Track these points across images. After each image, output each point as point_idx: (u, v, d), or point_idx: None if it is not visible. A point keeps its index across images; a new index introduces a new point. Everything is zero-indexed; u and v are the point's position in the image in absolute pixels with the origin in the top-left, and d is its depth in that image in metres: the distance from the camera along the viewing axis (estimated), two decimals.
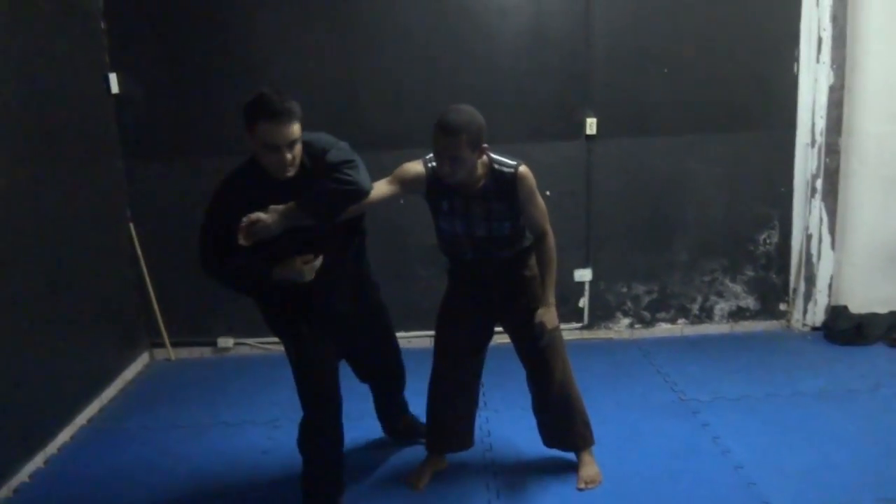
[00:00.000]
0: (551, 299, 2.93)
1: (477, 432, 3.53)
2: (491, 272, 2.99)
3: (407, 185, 2.86)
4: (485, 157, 2.79)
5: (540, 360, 3.05)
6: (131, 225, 4.63)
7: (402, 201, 4.49)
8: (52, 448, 3.64)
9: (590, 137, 4.58)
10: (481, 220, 2.85)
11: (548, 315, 2.91)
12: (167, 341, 4.78)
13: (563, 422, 3.18)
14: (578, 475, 3.18)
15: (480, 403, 3.40)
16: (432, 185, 2.84)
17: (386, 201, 2.85)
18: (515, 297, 3.03)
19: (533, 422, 3.27)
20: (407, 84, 4.45)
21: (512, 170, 2.79)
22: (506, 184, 2.79)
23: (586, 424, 3.22)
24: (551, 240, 2.95)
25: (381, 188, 2.81)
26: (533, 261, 3.02)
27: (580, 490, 3.12)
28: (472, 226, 2.87)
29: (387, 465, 3.40)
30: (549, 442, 3.26)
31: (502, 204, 2.82)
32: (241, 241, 2.58)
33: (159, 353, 4.83)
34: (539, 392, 3.16)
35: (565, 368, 3.13)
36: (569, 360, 3.16)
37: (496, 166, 2.80)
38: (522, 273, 3.02)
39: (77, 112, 4.14)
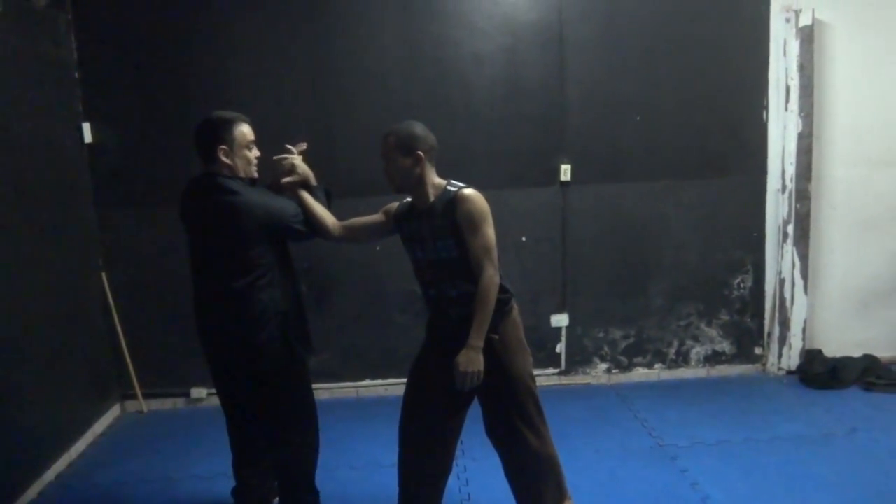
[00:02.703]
0: (474, 342, 2.70)
1: (454, 481, 3.50)
2: (457, 323, 2.82)
3: (386, 214, 3.00)
4: (437, 179, 2.83)
5: (509, 430, 2.92)
6: (103, 274, 4.57)
7: (378, 248, 4.52)
8: None
9: (564, 184, 4.62)
10: (429, 239, 2.80)
11: (465, 357, 2.70)
12: (139, 392, 4.69)
13: (534, 487, 3.02)
14: None
15: (458, 451, 3.34)
16: (399, 211, 2.95)
17: (368, 228, 3.04)
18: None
19: None
20: (382, 131, 4.47)
21: (455, 189, 2.78)
22: (448, 203, 2.75)
23: (559, 485, 3.07)
24: (489, 280, 2.71)
25: (366, 217, 3.06)
26: (504, 324, 2.87)
27: None
28: (425, 247, 2.83)
29: None
30: None
31: (445, 221, 2.75)
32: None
33: (131, 405, 4.74)
34: (508, 460, 3.01)
35: (540, 432, 2.96)
36: (544, 419, 2.99)
37: (448, 187, 2.80)
38: (489, 337, 2.80)
39: (50, 161, 4.11)
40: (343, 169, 4.50)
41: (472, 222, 2.71)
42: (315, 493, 3.20)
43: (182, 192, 3.05)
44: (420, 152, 2.76)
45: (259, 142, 4.54)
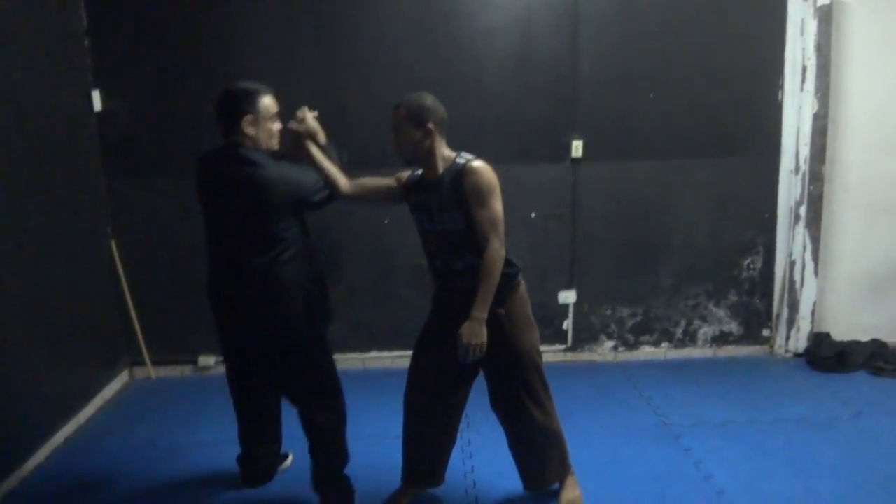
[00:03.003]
0: (477, 314, 2.70)
1: (459, 453, 3.52)
2: (461, 295, 2.81)
3: (398, 181, 3.00)
4: (447, 151, 2.82)
5: (513, 403, 2.96)
6: (112, 242, 4.59)
7: (386, 221, 4.52)
8: (26, 469, 3.57)
9: (575, 160, 4.60)
10: (436, 210, 2.80)
11: (468, 329, 2.70)
12: (147, 360, 4.73)
13: (537, 461, 3.09)
14: (559, 498, 3.14)
15: (463, 424, 3.35)
16: (410, 180, 2.95)
17: (379, 190, 3.02)
18: (488, 337, 2.80)
19: None
20: (393, 103, 4.45)
21: (464, 161, 2.77)
22: (457, 174, 2.74)
23: (562, 460, 3.13)
24: (494, 252, 2.69)
25: (379, 178, 3.02)
26: (510, 299, 2.89)
27: None
28: (432, 218, 2.83)
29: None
30: (527, 484, 3.17)
31: (452, 193, 2.75)
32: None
33: (139, 372, 4.78)
34: (513, 433, 3.07)
35: (545, 407, 3.01)
36: (549, 394, 3.03)
37: (458, 160, 2.79)
38: (496, 311, 2.82)
39: (60, 129, 4.11)
40: (354, 142, 4.46)
41: (480, 195, 2.69)
42: (346, 458, 3.23)
43: (198, 163, 3.00)
44: (430, 124, 2.75)
45: None
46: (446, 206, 2.76)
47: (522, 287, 2.95)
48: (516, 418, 3.00)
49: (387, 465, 3.41)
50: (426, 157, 2.80)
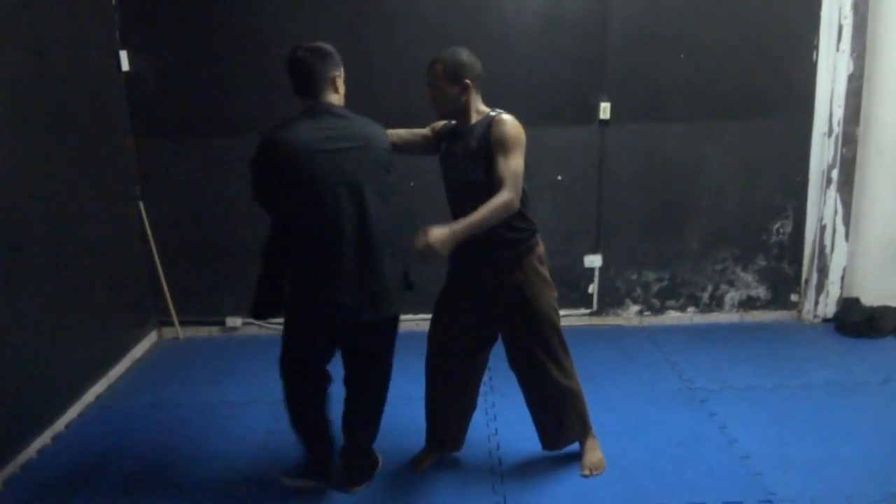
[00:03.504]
0: (458, 227, 2.54)
1: (482, 416, 3.54)
2: (479, 250, 2.81)
3: (432, 130, 3.02)
4: (482, 106, 2.83)
5: (531, 363, 2.97)
6: (141, 203, 4.63)
7: (412, 183, 4.50)
8: (59, 425, 3.66)
9: (603, 122, 4.54)
10: (461, 158, 2.80)
11: (438, 234, 2.48)
12: (176, 320, 4.79)
13: (555, 420, 3.11)
14: (582, 462, 3.17)
15: (486, 388, 3.38)
16: (443, 129, 2.95)
17: (414, 139, 3.05)
18: (505, 298, 2.86)
19: None
20: (419, 65, 4.39)
21: (495, 114, 2.77)
22: (486, 126, 2.74)
23: (582, 420, 3.15)
24: (506, 198, 2.61)
25: (415, 129, 3.06)
26: (527, 259, 2.87)
27: (584, 477, 3.11)
28: (456, 166, 2.83)
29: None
30: (545, 443, 3.19)
31: (479, 143, 2.73)
32: None
33: (167, 332, 4.84)
34: (531, 392, 3.09)
35: (564, 366, 3.02)
36: (568, 353, 3.05)
37: (491, 113, 2.80)
38: (513, 272, 2.84)
39: (87, 89, 4.12)
40: (380, 101, 4.46)
41: (504, 145, 2.68)
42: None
43: (277, 140, 2.69)
44: (467, 80, 2.75)
45: None
46: (471, 154, 2.75)
47: (540, 247, 2.95)
48: (534, 377, 3.02)
49: (412, 426, 3.44)
50: (462, 111, 2.80)
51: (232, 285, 4.77)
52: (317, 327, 2.89)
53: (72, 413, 3.78)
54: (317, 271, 2.74)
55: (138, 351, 4.56)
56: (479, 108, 2.83)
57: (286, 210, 2.75)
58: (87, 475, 3.27)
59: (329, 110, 2.76)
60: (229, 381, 4.17)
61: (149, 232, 4.64)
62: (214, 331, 4.86)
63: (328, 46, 2.83)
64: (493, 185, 2.68)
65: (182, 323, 4.81)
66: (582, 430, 3.18)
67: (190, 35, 4.48)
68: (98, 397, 4.01)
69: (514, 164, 2.67)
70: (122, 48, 4.44)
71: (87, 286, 4.02)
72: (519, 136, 2.71)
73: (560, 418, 3.10)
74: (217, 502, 3.03)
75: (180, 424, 3.71)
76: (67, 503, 3.06)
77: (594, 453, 3.19)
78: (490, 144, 2.70)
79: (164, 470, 3.29)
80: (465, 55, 2.77)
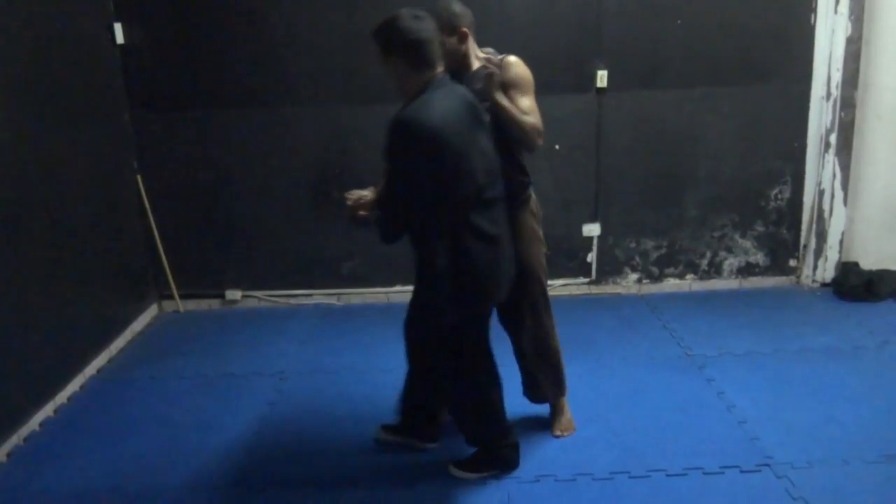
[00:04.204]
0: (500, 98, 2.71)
1: None
2: None
3: None
4: (479, 51, 2.88)
5: (515, 315, 3.04)
6: (139, 177, 4.62)
7: None
8: (61, 397, 3.68)
9: (600, 90, 4.51)
10: None
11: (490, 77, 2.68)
12: (175, 293, 4.80)
13: (533, 375, 3.17)
14: (553, 423, 3.24)
15: None
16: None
17: None
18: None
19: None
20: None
21: (501, 56, 2.84)
22: (493, 66, 2.77)
23: (557, 380, 3.19)
24: (536, 122, 2.77)
25: None
26: (521, 211, 2.92)
27: (556, 437, 3.18)
28: None
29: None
30: (524, 392, 3.27)
31: (484, 84, 2.74)
32: None
33: (168, 305, 4.86)
34: (516, 346, 3.14)
35: (543, 323, 3.07)
36: (550, 312, 3.09)
37: (497, 56, 2.86)
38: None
39: (82, 62, 4.10)
40: (374, 73, 4.43)
41: (519, 85, 2.79)
42: None
43: (442, 125, 2.44)
44: (464, 29, 2.78)
45: (292, 46, 4.51)
46: (478, 97, 2.74)
47: (533, 201, 3.00)
48: (515, 329, 3.08)
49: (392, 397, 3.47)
50: (464, 60, 2.83)
51: (231, 258, 4.78)
52: (496, 298, 2.77)
53: (74, 385, 3.80)
54: (491, 242, 2.63)
55: (139, 324, 4.58)
56: (478, 54, 2.86)
57: (450, 190, 2.50)
58: (89, 447, 3.30)
59: (449, 82, 2.62)
60: (230, 354, 4.19)
61: (147, 205, 4.64)
62: (214, 304, 4.88)
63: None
64: (499, 131, 2.75)
65: (182, 296, 4.83)
66: (556, 391, 3.21)
67: (185, 7, 4.44)
68: (99, 370, 4.04)
69: (531, 103, 2.79)
70: (117, 20, 4.40)
71: (86, 260, 4.02)
72: (529, 77, 2.82)
73: (536, 374, 3.15)
74: (219, 474, 3.06)
75: (181, 396, 3.73)
76: (70, 474, 3.09)
77: (564, 415, 3.24)
78: (505, 86, 2.76)
79: (166, 442, 3.31)
80: (456, 6, 2.79)
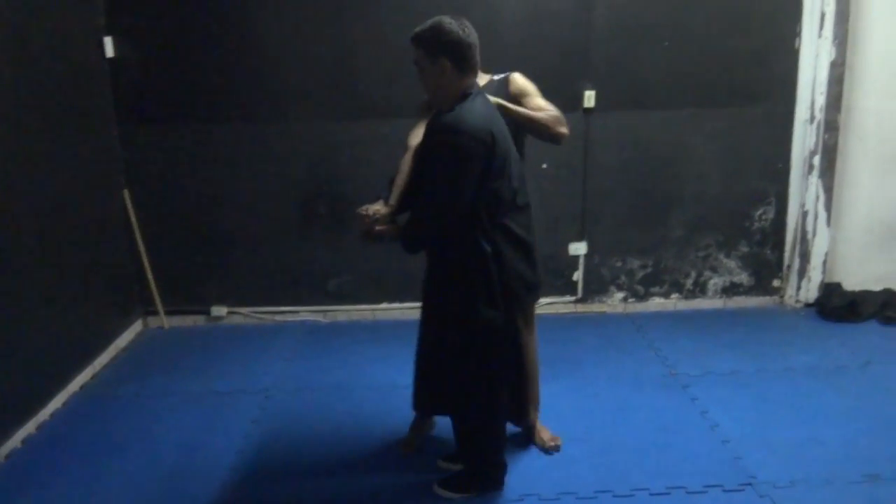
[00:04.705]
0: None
1: None
2: None
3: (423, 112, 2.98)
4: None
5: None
6: (125, 191, 4.61)
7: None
8: (44, 414, 3.65)
9: (588, 110, 4.55)
10: None
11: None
12: (161, 309, 4.78)
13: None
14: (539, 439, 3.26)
15: None
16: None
17: None
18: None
19: None
20: (404, 51, 4.40)
21: (504, 75, 3.03)
22: (498, 85, 2.95)
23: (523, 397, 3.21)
24: (553, 114, 2.94)
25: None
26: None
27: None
28: None
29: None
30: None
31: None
32: None
33: (153, 321, 4.83)
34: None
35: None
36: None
37: (496, 77, 3.03)
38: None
39: (71, 76, 4.10)
40: (363, 89, 4.47)
41: (531, 91, 2.98)
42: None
43: (491, 132, 2.50)
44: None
45: (282, 62, 4.53)
46: None
47: None
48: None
49: (398, 413, 3.48)
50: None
51: (217, 274, 4.77)
52: (526, 301, 2.88)
53: (57, 402, 3.77)
54: (524, 248, 2.71)
55: (123, 340, 4.55)
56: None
57: (494, 193, 2.56)
58: (71, 464, 3.27)
59: (482, 91, 2.67)
60: (215, 371, 4.17)
61: (133, 220, 4.62)
62: (199, 320, 4.86)
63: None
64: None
65: (167, 312, 4.81)
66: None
67: (175, 21, 4.44)
68: (83, 386, 4.01)
69: (545, 101, 2.95)
70: (107, 34, 4.41)
71: (71, 275, 4.01)
72: (533, 85, 3.00)
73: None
74: (203, 492, 3.04)
75: (165, 414, 3.71)
76: (51, 493, 3.06)
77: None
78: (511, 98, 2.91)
79: (149, 459, 3.29)
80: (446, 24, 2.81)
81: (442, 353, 2.76)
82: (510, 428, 3.26)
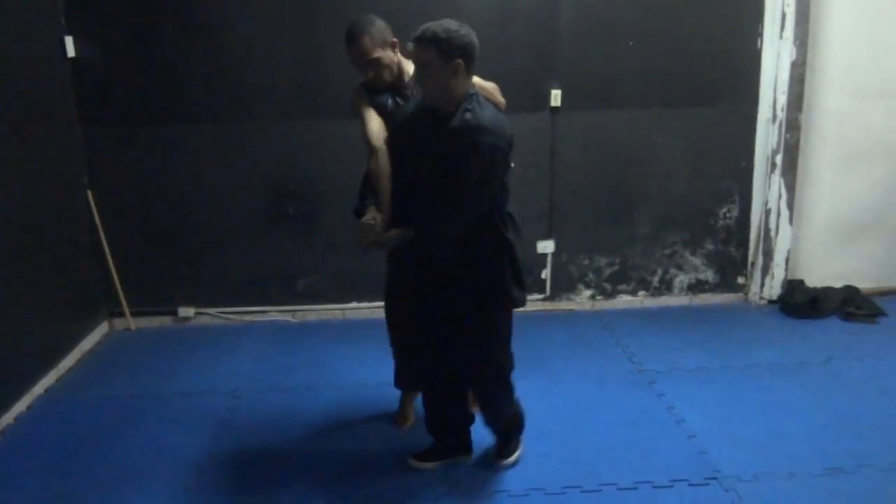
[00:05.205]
0: None
1: None
2: None
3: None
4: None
5: None
6: (89, 192, 4.55)
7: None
8: (7, 418, 3.60)
9: (554, 109, 4.58)
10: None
11: None
12: (127, 311, 4.72)
13: None
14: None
15: None
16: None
17: None
18: None
19: None
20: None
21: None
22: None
23: None
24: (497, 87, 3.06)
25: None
26: None
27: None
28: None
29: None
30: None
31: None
32: None
33: (119, 323, 4.78)
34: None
35: None
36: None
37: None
38: None
39: (32, 77, 4.04)
40: (332, 89, 4.45)
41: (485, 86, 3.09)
42: None
43: (498, 116, 2.72)
44: (394, 39, 2.95)
45: (247, 61, 4.50)
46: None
47: None
48: None
49: (368, 413, 3.51)
50: (399, 70, 3.01)
51: (184, 275, 4.73)
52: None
53: (21, 406, 3.72)
54: (520, 232, 2.87)
55: (88, 343, 4.49)
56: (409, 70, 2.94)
57: (503, 189, 2.78)
58: (37, 468, 3.23)
59: None
60: (182, 372, 4.14)
61: (98, 221, 4.57)
62: (167, 321, 4.81)
63: None
64: None
65: (133, 313, 4.75)
66: None
67: (138, 20, 4.39)
68: (47, 389, 3.95)
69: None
70: (68, 34, 4.35)
71: (34, 277, 3.95)
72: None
73: None
74: (170, 494, 3.02)
75: (133, 415, 3.67)
76: (16, 494, 3.02)
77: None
78: None
79: (117, 461, 3.26)
80: (378, 20, 2.94)
81: (474, 333, 2.87)
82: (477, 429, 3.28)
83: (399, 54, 2.95)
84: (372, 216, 2.78)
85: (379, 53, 2.88)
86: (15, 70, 3.86)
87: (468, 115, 2.58)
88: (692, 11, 4.52)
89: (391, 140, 2.87)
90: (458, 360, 2.96)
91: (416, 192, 2.75)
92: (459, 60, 2.55)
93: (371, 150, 2.89)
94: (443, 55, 2.55)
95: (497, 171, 2.64)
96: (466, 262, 2.76)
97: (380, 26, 2.89)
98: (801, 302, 4.68)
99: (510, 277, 2.78)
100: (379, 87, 2.97)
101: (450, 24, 2.58)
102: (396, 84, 2.99)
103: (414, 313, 3.03)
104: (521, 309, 2.91)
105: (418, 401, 3.41)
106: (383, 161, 2.85)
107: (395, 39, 2.92)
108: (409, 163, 2.79)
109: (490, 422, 3.09)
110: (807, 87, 4.60)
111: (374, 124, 2.93)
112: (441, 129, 2.62)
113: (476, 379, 3.01)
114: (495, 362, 2.95)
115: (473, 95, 2.65)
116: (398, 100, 3.00)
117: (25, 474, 3.18)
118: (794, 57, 4.52)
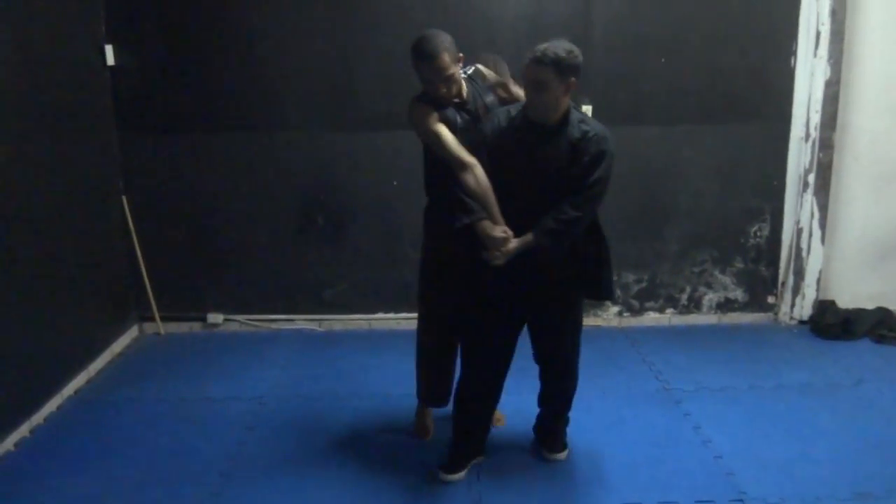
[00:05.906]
0: None
1: None
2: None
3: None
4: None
5: None
6: (124, 198, 4.62)
7: (395, 183, 4.54)
8: (38, 418, 3.65)
9: None
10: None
11: None
12: (157, 315, 4.78)
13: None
14: None
15: None
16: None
17: None
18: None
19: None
20: (404, 64, 4.41)
21: (472, 67, 3.23)
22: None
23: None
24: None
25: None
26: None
27: None
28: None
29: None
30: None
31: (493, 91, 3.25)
32: None
33: (149, 327, 4.84)
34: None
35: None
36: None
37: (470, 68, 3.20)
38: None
39: (72, 83, 4.12)
40: (363, 101, 4.49)
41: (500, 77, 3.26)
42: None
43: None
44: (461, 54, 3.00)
45: (281, 72, 4.56)
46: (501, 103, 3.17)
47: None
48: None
49: (394, 423, 3.51)
50: (460, 84, 3.03)
51: (214, 281, 4.78)
52: None
53: (51, 406, 3.78)
54: None
55: (119, 346, 4.56)
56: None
57: None
58: (65, 468, 3.27)
59: None
60: (209, 377, 4.18)
61: (131, 227, 4.64)
62: (196, 326, 4.87)
63: None
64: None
65: (163, 318, 4.81)
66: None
67: (176, 30, 4.47)
68: (77, 391, 4.01)
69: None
70: (108, 42, 4.43)
71: (68, 280, 4.01)
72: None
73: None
74: (196, 497, 3.04)
75: (159, 419, 3.72)
76: (45, 496, 3.06)
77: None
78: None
79: (143, 464, 3.29)
80: (447, 35, 2.92)
81: (571, 325, 3.22)
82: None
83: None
84: (503, 229, 2.81)
85: (454, 69, 2.89)
86: (56, 76, 3.94)
87: (585, 128, 2.79)
88: (725, 29, 4.50)
89: (493, 154, 2.87)
90: (551, 353, 3.20)
91: (525, 201, 2.85)
92: (573, 79, 2.73)
93: (463, 165, 2.83)
94: (560, 75, 2.69)
95: (609, 172, 2.86)
96: (573, 257, 2.95)
97: (452, 42, 2.88)
98: (832, 323, 4.62)
99: (608, 268, 3.05)
100: (445, 102, 2.96)
101: (567, 45, 2.73)
102: (457, 98, 2.98)
103: (492, 321, 3.05)
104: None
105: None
106: (481, 174, 2.84)
107: (462, 54, 2.93)
108: (515, 175, 2.85)
109: (563, 410, 3.29)
110: (840, 105, 4.56)
111: (453, 138, 2.91)
112: (554, 141, 2.78)
113: (562, 371, 3.24)
114: (578, 350, 3.25)
115: (572, 108, 2.83)
116: (464, 115, 3.01)
117: (54, 474, 3.22)
118: (828, 76, 4.48)
